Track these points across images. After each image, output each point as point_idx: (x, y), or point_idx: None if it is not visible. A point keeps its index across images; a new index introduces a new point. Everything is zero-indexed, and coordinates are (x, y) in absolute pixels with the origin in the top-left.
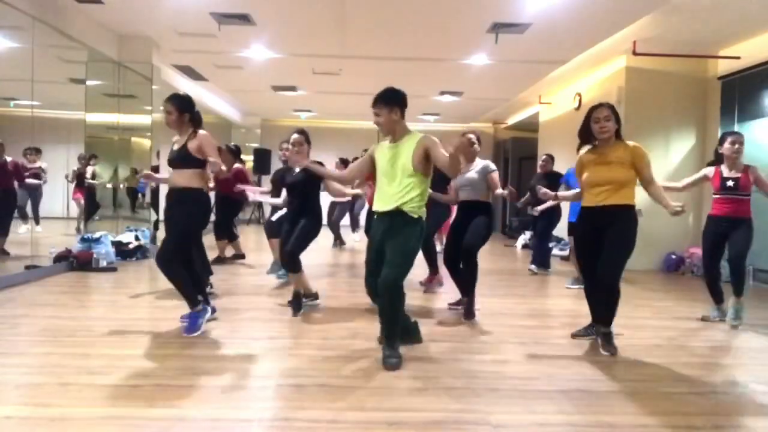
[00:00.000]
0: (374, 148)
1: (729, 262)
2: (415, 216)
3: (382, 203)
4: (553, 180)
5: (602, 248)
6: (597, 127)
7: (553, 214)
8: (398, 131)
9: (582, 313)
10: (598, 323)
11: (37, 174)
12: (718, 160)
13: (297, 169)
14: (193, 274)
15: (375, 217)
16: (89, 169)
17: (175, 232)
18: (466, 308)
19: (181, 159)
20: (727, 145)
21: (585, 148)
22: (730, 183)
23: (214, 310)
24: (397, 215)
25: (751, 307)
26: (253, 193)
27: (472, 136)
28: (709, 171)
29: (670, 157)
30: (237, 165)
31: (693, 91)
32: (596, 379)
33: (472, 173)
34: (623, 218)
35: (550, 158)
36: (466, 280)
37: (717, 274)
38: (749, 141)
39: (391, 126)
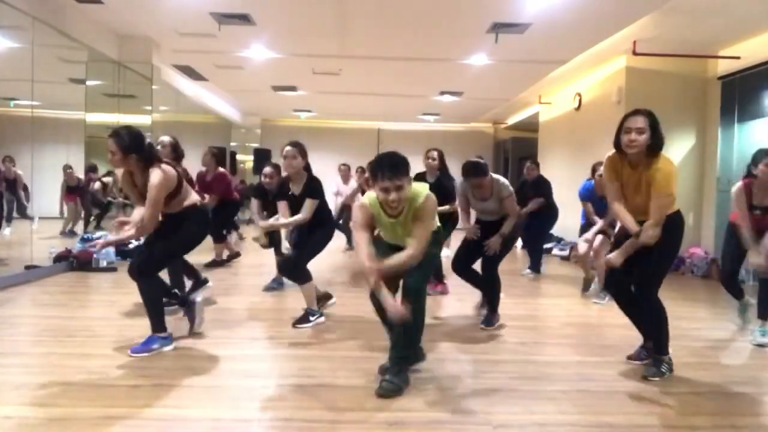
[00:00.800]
0: (368, 211)
1: (759, 280)
2: (435, 230)
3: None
4: (541, 187)
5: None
6: (626, 138)
7: (550, 215)
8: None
9: (582, 312)
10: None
11: (14, 182)
12: (750, 176)
13: (297, 191)
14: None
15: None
16: (98, 183)
17: (170, 248)
18: (486, 316)
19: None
20: (762, 167)
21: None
22: (757, 212)
23: (203, 282)
24: None
25: (752, 307)
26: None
27: (471, 161)
28: (738, 190)
29: (670, 157)
30: (220, 169)
31: (693, 91)
32: (596, 379)
33: (489, 203)
34: (664, 227)
35: (536, 165)
36: (487, 294)
37: (736, 275)
38: (749, 142)
39: (404, 202)
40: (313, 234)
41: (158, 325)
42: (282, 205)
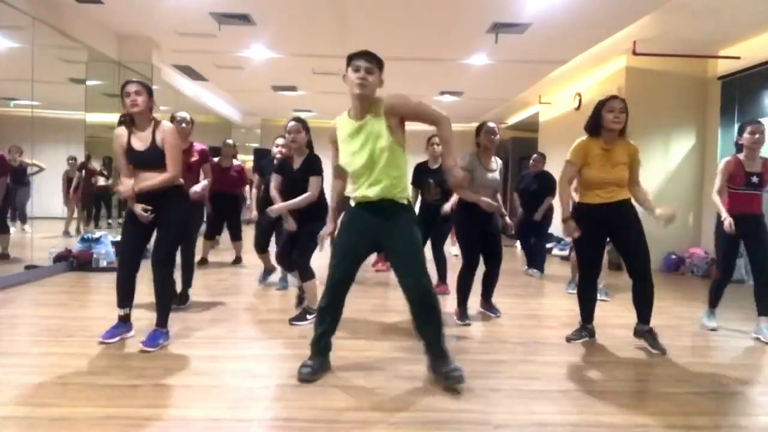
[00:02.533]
0: (334, 131)
1: (755, 275)
2: (406, 202)
3: (365, 190)
4: (545, 180)
5: (604, 247)
6: (611, 116)
7: (550, 211)
8: (371, 102)
9: None
10: (640, 322)
11: (23, 171)
12: (738, 151)
13: (296, 166)
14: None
15: (354, 205)
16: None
17: (170, 234)
18: (491, 307)
19: (156, 159)
20: (746, 135)
21: (584, 138)
22: (754, 179)
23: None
24: (387, 206)
25: (751, 306)
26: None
27: (492, 125)
28: (727, 163)
29: (670, 158)
30: (238, 162)
31: (693, 91)
32: (596, 379)
33: (495, 174)
34: (632, 212)
35: (542, 157)
36: (490, 283)
37: (731, 274)
38: None
39: (374, 91)
40: (309, 225)
41: (163, 319)
42: (276, 179)
